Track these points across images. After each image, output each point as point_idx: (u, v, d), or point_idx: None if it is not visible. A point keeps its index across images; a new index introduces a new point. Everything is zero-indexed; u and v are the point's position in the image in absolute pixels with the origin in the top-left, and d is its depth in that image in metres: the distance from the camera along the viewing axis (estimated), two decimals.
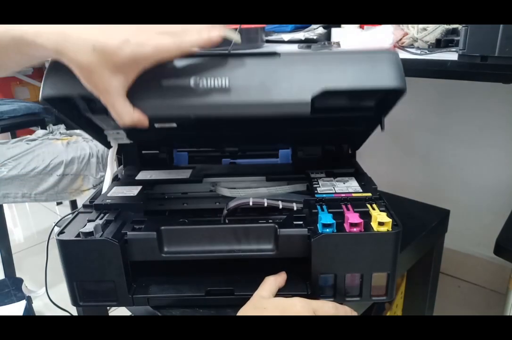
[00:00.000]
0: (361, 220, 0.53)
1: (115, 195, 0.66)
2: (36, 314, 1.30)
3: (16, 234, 2.00)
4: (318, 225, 0.55)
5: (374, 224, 0.55)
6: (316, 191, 0.64)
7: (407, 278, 1.00)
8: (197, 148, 0.82)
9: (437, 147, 1.42)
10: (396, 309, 1.07)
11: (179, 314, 0.59)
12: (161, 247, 0.57)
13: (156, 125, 0.60)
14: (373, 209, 0.58)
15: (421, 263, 0.86)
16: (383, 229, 0.53)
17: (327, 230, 0.54)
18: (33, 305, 1.27)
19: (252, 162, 0.82)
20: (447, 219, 0.86)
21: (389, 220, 0.53)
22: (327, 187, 0.65)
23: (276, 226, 0.56)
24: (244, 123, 0.72)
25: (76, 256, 0.55)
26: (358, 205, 0.60)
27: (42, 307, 1.38)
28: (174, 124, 0.61)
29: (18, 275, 1.48)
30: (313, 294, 0.57)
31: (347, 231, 0.54)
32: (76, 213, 0.62)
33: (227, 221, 0.63)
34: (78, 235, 0.55)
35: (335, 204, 0.60)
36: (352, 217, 0.54)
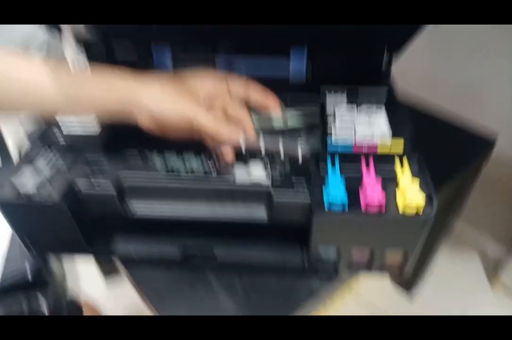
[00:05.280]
0: (383, 200, 0.40)
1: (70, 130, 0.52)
2: None
3: None
4: (323, 194, 0.42)
5: (400, 199, 0.41)
6: (329, 133, 0.48)
7: None
8: (183, 46, 0.62)
9: None
10: None
11: (153, 274, 0.51)
12: (124, 205, 0.45)
13: None
14: (402, 166, 0.44)
15: None
16: (411, 210, 0.40)
17: (335, 208, 0.41)
18: None
19: (255, 63, 0.63)
20: (491, 152, 0.70)
21: (421, 201, 0.39)
22: (345, 126, 0.49)
23: (271, 191, 0.43)
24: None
25: (20, 216, 0.45)
26: (383, 159, 0.45)
27: None
28: None
29: None
30: (311, 267, 0.48)
31: (362, 209, 0.41)
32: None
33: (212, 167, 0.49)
34: (19, 194, 0.43)
35: (353, 158, 0.46)
36: (372, 191, 0.40)
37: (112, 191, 0.44)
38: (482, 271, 1.19)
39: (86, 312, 0.96)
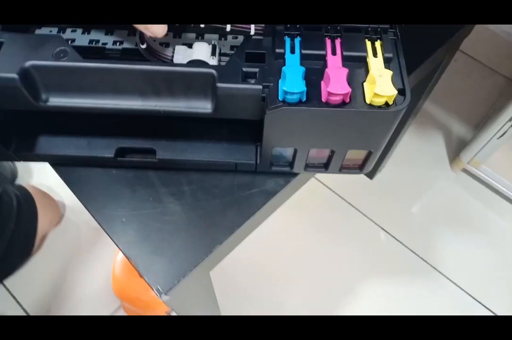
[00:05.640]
0: (348, 89, 0.32)
1: None
2: None
3: None
4: (279, 81, 0.34)
5: (368, 89, 0.34)
6: None
7: None
8: None
9: None
10: None
11: (85, 175, 0.44)
12: (35, 93, 0.37)
13: None
14: (375, 54, 0.36)
15: None
16: (380, 101, 0.33)
17: (291, 97, 0.33)
18: None
19: None
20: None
21: (393, 93, 0.32)
22: None
23: (214, 73, 0.35)
24: None
25: None
26: (353, 38, 0.37)
27: None
28: None
29: None
30: (263, 164, 0.42)
31: (323, 100, 0.34)
32: None
33: (144, 46, 0.40)
34: None
35: (316, 34, 0.37)
36: (336, 79, 0.33)
37: (12, 73, 0.34)
38: (444, 150, 1.19)
39: (36, 197, 0.93)
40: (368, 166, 0.42)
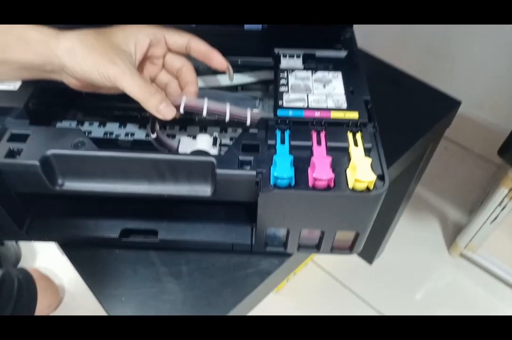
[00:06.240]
0: (332, 175, 0.36)
1: None
2: None
3: None
4: (271, 169, 0.38)
5: (350, 175, 0.38)
6: (281, 100, 0.44)
7: None
8: None
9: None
10: None
11: (89, 254, 0.47)
12: (52, 178, 0.41)
13: None
14: (356, 144, 0.40)
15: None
16: (361, 186, 0.37)
17: (281, 182, 0.37)
18: None
19: None
20: (455, 111, 0.67)
21: (373, 178, 0.36)
22: (298, 92, 0.45)
23: (214, 161, 0.39)
24: None
25: None
26: (336, 131, 0.42)
27: None
28: None
29: None
30: (258, 244, 0.45)
31: (309, 184, 0.38)
32: None
33: (154, 137, 0.45)
34: None
35: (303, 128, 0.42)
36: (321, 165, 0.37)
37: (34, 161, 0.39)
38: (441, 235, 1.20)
39: (37, 281, 0.93)
40: (357, 247, 0.45)
